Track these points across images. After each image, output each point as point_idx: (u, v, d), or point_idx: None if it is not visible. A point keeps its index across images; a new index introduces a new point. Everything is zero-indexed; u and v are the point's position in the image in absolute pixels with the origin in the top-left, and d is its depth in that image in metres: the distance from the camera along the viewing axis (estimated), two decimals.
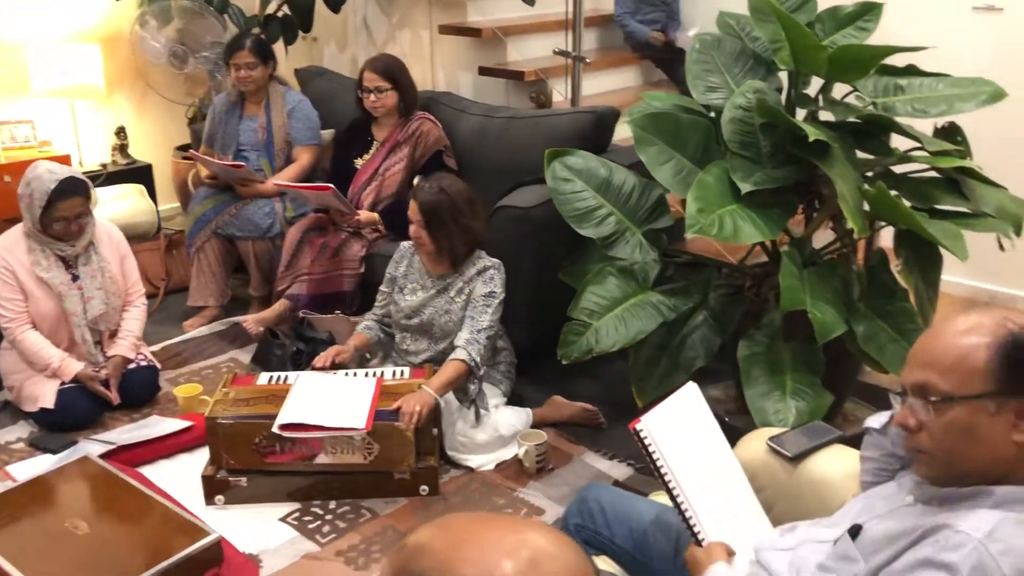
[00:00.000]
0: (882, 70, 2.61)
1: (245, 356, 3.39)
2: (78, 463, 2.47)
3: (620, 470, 2.70)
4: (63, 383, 2.89)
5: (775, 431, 1.88)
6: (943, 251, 2.44)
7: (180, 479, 2.62)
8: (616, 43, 4.80)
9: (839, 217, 2.65)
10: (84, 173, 3.06)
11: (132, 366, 3.04)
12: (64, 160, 3.95)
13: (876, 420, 1.53)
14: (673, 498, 1.53)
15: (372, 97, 3.40)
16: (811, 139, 2.28)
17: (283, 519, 2.48)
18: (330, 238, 3.39)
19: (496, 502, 2.57)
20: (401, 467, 2.52)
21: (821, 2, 2.72)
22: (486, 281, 2.73)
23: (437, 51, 4.46)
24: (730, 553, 1.50)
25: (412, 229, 2.72)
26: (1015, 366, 1.20)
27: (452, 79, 4.46)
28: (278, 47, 3.96)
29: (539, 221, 2.95)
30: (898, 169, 2.63)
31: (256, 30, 4.18)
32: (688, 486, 1.53)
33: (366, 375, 2.72)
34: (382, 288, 2.93)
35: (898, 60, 2.59)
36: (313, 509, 2.52)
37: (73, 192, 2.83)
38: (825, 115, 2.64)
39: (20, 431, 2.92)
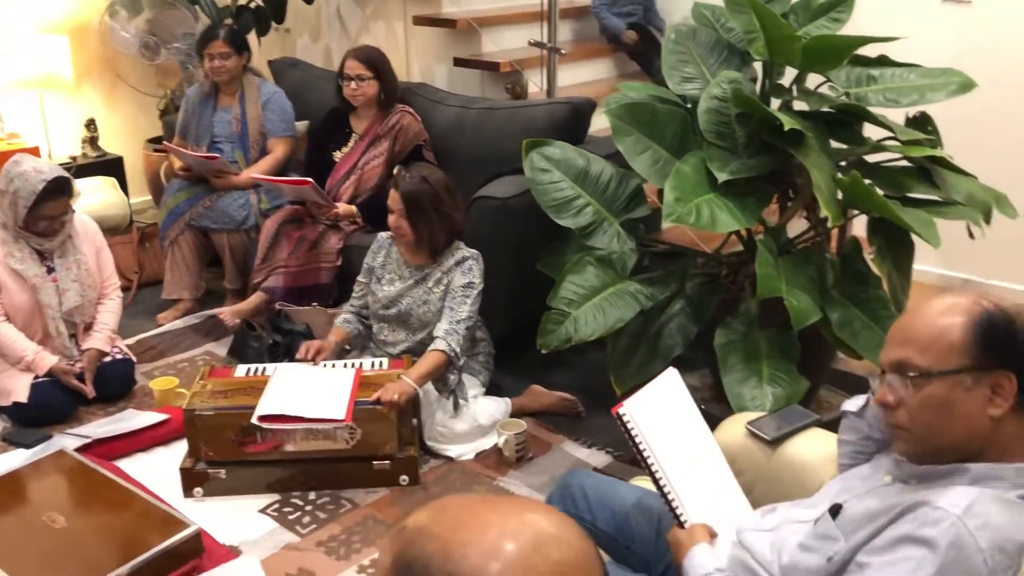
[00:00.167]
0: (855, 60, 2.65)
1: (221, 349, 3.37)
2: (54, 457, 2.43)
3: (599, 458, 2.72)
4: (37, 377, 2.86)
5: (754, 415, 1.91)
6: (915, 239, 2.48)
7: (157, 472, 2.60)
8: (591, 35, 4.82)
9: (813, 206, 2.69)
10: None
11: (107, 359, 3.01)
12: (33, 152, 3.89)
13: (853, 404, 1.56)
14: (656, 481, 1.54)
15: (353, 85, 3.38)
16: (786, 128, 2.30)
17: (263, 510, 2.48)
18: (307, 231, 3.37)
19: (476, 491, 2.58)
20: (384, 450, 2.51)
21: None
22: (465, 272, 2.73)
23: (411, 42, 4.45)
24: (712, 535, 1.52)
25: (392, 219, 2.72)
26: (989, 342, 1.24)
27: (427, 70, 4.45)
28: (250, 38, 3.93)
29: (517, 212, 2.96)
30: (871, 158, 2.67)
31: (228, 21, 4.15)
32: (670, 469, 1.55)
33: (344, 366, 2.71)
34: (359, 279, 2.93)
35: (870, 51, 2.63)
36: (293, 500, 2.52)
37: (61, 192, 2.80)
38: (799, 105, 2.67)
39: None
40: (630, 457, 2.65)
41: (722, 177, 2.39)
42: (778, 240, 2.61)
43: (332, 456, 2.51)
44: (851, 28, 2.63)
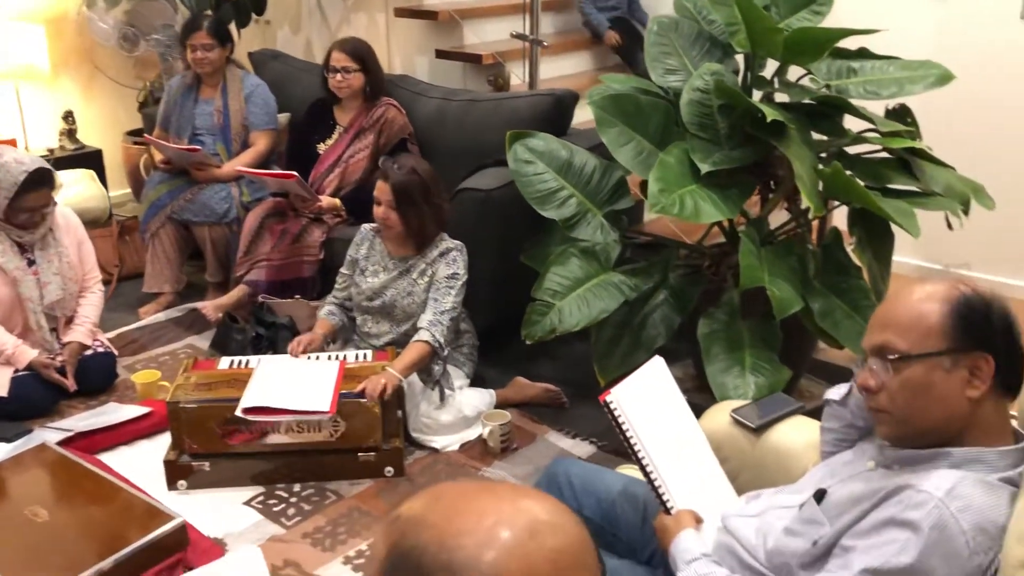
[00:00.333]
0: (835, 53, 2.67)
1: (203, 342, 3.35)
2: (35, 451, 2.42)
3: (582, 448, 2.73)
4: (17, 370, 2.83)
5: (738, 403, 1.93)
6: (895, 230, 2.51)
7: (141, 465, 2.59)
8: (573, 27, 4.83)
9: (794, 197, 2.72)
10: None
11: (89, 352, 2.99)
12: (10, 144, 3.84)
13: (836, 392, 1.59)
14: (642, 468, 1.56)
15: (339, 77, 3.37)
16: (769, 120, 2.32)
17: (247, 503, 2.47)
18: (290, 224, 3.36)
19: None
20: (368, 443, 2.51)
21: None
22: (449, 263, 2.74)
23: (393, 34, 4.44)
24: (698, 520, 1.53)
25: (380, 210, 2.71)
26: (967, 325, 1.27)
27: (408, 63, 4.45)
28: (230, 30, 3.90)
29: (500, 203, 2.96)
30: (851, 150, 2.69)
31: (208, 12, 4.11)
32: (657, 456, 1.56)
33: (328, 358, 2.71)
34: (343, 270, 2.92)
35: (850, 44, 2.65)
36: (278, 492, 2.51)
37: (42, 183, 2.77)
38: (781, 97, 2.69)
39: None
40: (614, 447, 2.67)
41: (705, 168, 2.41)
42: (760, 231, 2.63)
43: (317, 448, 2.51)
44: (832, 20, 2.66)
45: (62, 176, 3.93)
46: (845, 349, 2.57)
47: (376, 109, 3.42)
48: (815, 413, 1.79)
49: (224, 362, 2.70)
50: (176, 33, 4.10)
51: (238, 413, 2.41)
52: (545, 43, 3.87)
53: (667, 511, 1.56)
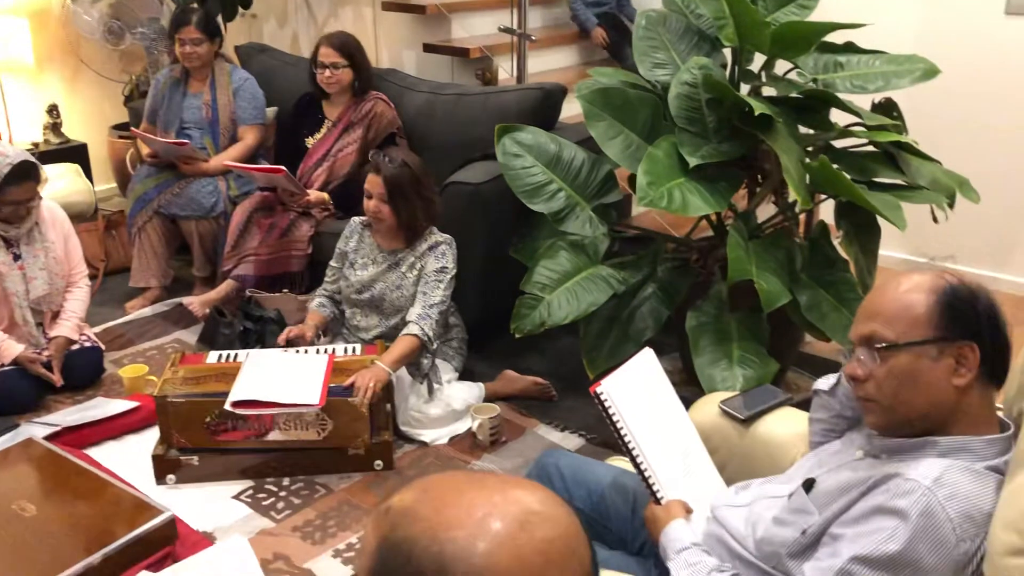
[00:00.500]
0: (822, 47, 2.69)
1: (190, 337, 3.34)
2: (22, 445, 2.40)
3: (572, 441, 2.74)
4: (2, 365, 2.82)
5: (727, 395, 1.94)
6: (881, 223, 2.53)
7: (129, 460, 2.58)
8: (561, 21, 4.83)
9: (782, 191, 2.73)
10: None
11: (75, 347, 2.97)
12: None
13: (825, 383, 1.60)
14: (633, 459, 1.57)
15: (327, 73, 3.35)
16: (756, 113, 2.33)
17: (236, 497, 2.47)
18: (278, 219, 3.34)
19: None
20: (355, 443, 2.52)
21: None
22: (438, 256, 2.74)
23: (380, 28, 4.42)
24: (688, 511, 1.54)
25: (372, 204, 2.71)
26: (953, 314, 1.29)
27: (395, 57, 4.43)
28: (219, 24, 3.88)
29: (489, 197, 2.96)
30: (838, 143, 2.71)
31: (195, 6, 4.09)
32: (647, 447, 1.57)
33: (317, 352, 2.71)
34: (332, 263, 2.92)
35: (837, 38, 2.67)
36: (267, 486, 2.51)
37: (27, 176, 2.75)
38: (768, 91, 2.70)
39: None
40: (602, 440, 2.68)
41: (693, 162, 2.42)
42: (748, 224, 2.64)
43: (306, 444, 2.51)
44: (819, 15, 2.67)
45: (47, 170, 3.91)
46: (832, 342, 2.59)
47: (365, 103, 3.41)
48: (802, 405, 1.80)
49: (212, 356, 2.69)
50: (162, 27, 4.09)
51: (227, 407, 2.40)
52: (533, 37, 3.87)
53: (657, 501, 1.57)
